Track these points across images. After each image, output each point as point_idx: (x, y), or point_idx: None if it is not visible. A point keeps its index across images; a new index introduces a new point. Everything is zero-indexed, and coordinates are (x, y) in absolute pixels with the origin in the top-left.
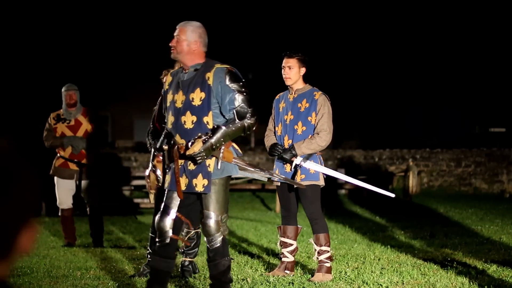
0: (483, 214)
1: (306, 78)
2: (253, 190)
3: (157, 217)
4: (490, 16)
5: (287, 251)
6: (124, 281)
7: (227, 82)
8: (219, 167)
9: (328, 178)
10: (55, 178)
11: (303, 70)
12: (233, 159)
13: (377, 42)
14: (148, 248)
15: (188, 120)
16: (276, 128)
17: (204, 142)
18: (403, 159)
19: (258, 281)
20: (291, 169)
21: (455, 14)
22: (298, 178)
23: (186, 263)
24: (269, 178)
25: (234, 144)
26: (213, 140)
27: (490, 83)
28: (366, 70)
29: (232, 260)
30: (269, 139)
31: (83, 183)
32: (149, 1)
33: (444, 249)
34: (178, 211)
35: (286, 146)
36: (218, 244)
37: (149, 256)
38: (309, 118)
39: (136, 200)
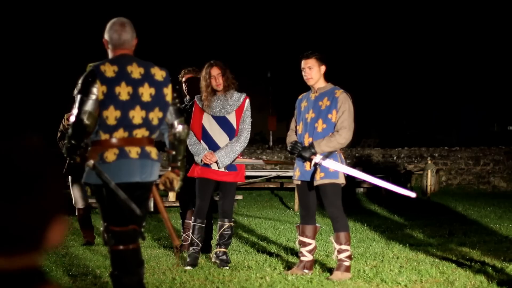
0: (502, 212)
1: (326, 77)
2: (271, 189)
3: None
4: (510, 14)
5: (306, 250)
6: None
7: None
8: (86, 170)
9: (346, 176)
10: (69, 177)
11: (323, 68)
12: (92, 166)
13: (397, 41)
14: (191, 236)
15: None
16: (298, 127)
17: None
18: (422, 157)
19: (277, 280)
20: (310, 167)
21: (476, 13)
22: (317, 176)
23: (221, 253)
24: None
25: (108, 151)
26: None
27: (508, 81)
28: (384, 69)
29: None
30: (290, 138)
31: None
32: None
33: (462, 247)
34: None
35: (306, 144)
36: (111, 256)
37: (192, 246)
38: (329, 116)
39: None
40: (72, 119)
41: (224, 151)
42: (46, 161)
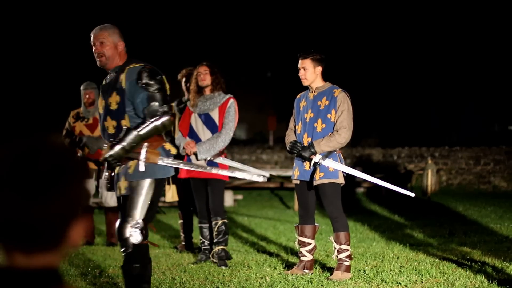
0: (502, 212)
1: (326, 77)
2: (271, 189)
3: (117, 224)
4: (510, 14)
5: (306, 250)
6: None
7: (138, 81)
8: (140, 169)
9: (346, 176)
10: None
11: (319, 69)
12: (161, 160)
13: (397, 40)
14: (200, 237)
15: (110, 125)
16: (296, 127)
17: (112, 146)
18: (422, 157)
19: (277, 280)
20: (310, 167)
21: (477, 11)
22: (317, 176)
23: (220, 251)
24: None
25: (166, 144)
26: (123, 144)
27: (509, 81)
28: (385, 68)
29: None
30: (289, 138)
31: (101, 182)
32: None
33: (463, 247)
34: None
35: (306, 144)
36: (130, 250)
37: (202, 245)
38: (328, 116)
39: None
40: (165, 119)
41: (205, 144)
42: (69, 160)
